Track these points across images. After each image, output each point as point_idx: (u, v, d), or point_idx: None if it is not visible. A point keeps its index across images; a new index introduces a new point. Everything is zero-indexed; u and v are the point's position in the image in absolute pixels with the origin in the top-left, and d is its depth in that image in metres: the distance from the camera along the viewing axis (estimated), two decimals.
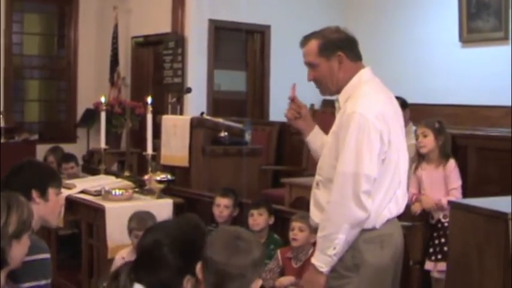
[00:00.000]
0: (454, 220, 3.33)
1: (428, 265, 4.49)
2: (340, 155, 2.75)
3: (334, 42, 2.89)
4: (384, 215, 2.81)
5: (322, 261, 2.77)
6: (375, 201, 2.75)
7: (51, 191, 2.80)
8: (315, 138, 3.13)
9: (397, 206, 2.86)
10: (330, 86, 2.92)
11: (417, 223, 4.37)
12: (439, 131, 4.64)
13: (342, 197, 2.72)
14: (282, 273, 4.07)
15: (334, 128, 2.88)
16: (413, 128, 5.64)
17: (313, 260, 2.80)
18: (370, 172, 2.71)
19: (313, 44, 2.90)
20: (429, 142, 4.63)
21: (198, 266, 2.07)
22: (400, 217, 2.91)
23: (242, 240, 2.08)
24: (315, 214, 2.95)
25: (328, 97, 3.20)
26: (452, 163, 4.60)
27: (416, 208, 4.57)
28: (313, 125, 3.14)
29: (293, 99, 3.10)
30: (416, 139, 4.71)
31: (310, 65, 2.93)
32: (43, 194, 2.77)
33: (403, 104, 5.72)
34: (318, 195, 2.93)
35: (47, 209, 2.79)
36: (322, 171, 2.93)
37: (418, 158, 4.75)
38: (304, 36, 2.98)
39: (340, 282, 2.79)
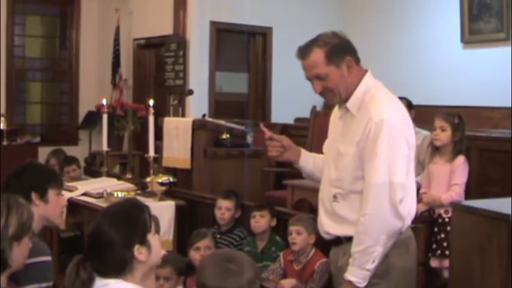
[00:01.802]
0: (455, 221, 3.33)
1: (434, 262, 4.47)
2: (370, 164, 2.67)
3: (340, 47, 2.75)
4: (408, 218, 2.76)
5: (360, 276, 2.67)
6: None
7: (51, 193, 2.80)
8: (306, 161, 3.08)
9: (415, 208, 2.83)
10: (343, 93, 2.78)
11: (419, 225, 4.35)
12: (458, 126, 4.59)
13: (378, 208, 2.64)
14: (285, 275, 4.07)
15: (356, 137, 2.73)
16: (416, 129, 5.64)
17: (350, 277, 2.68)
18: (403, 180, 2.66)
19: (318, 54, 2.73)
20: (445, 137, 4.57)
21: None
22: None
23: (233, 263, 2.10)
24: (330, 226, 2.87)
25: None
26: (461, 159, 4.54)
27: (419, 208, 4.56)
28: (299, 150, 3.08)
29: (271, 138, 3.00)
30: (434, 130, 4.66)
31: (318, 77, 2.75)
32: (42, 196, 2.77)
33: (408, 104, 5.73)
34: (337, 208, 2.82)
35: (48, 210, 2.79)
36: (342, 183, 2.80)
37: (432, 150, 4.71)
38: (302, 48, 2.79)
39: None
